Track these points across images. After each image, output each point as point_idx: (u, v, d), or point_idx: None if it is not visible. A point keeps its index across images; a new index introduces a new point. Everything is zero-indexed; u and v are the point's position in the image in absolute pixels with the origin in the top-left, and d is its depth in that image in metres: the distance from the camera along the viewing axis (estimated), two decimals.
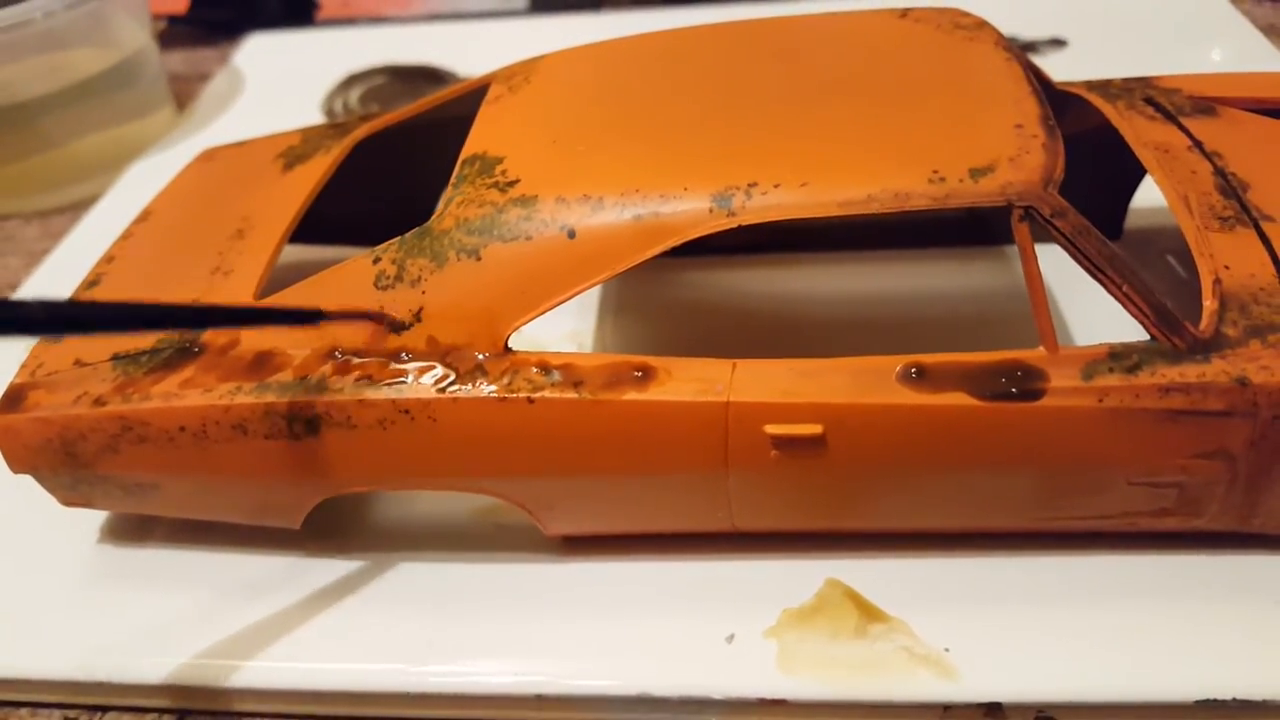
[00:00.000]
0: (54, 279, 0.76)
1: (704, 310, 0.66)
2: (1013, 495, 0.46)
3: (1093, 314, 0.59)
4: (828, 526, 0.49)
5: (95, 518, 0.56)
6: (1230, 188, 0.51)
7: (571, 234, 0.46)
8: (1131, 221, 0.68)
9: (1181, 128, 0.56)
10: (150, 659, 0.49)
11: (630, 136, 0.50)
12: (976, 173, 0.44)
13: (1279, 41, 0.88)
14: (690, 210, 0.45)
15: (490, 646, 0.48)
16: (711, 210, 0.45)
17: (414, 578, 0.51)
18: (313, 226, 0.67)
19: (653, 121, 0.51)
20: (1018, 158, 0.45)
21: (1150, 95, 0.60)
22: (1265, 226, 0.49)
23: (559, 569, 0.51)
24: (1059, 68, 0.87)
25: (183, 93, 1.02)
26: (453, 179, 0.50)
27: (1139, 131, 0.56)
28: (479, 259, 0.47)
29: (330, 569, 0.52)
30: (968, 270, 0.66)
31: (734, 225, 0.45)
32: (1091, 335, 0.52)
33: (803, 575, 0.49)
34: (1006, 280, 0.65)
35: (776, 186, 0.45)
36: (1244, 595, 0.46)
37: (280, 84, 1.01)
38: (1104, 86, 0.61)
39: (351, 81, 0.99)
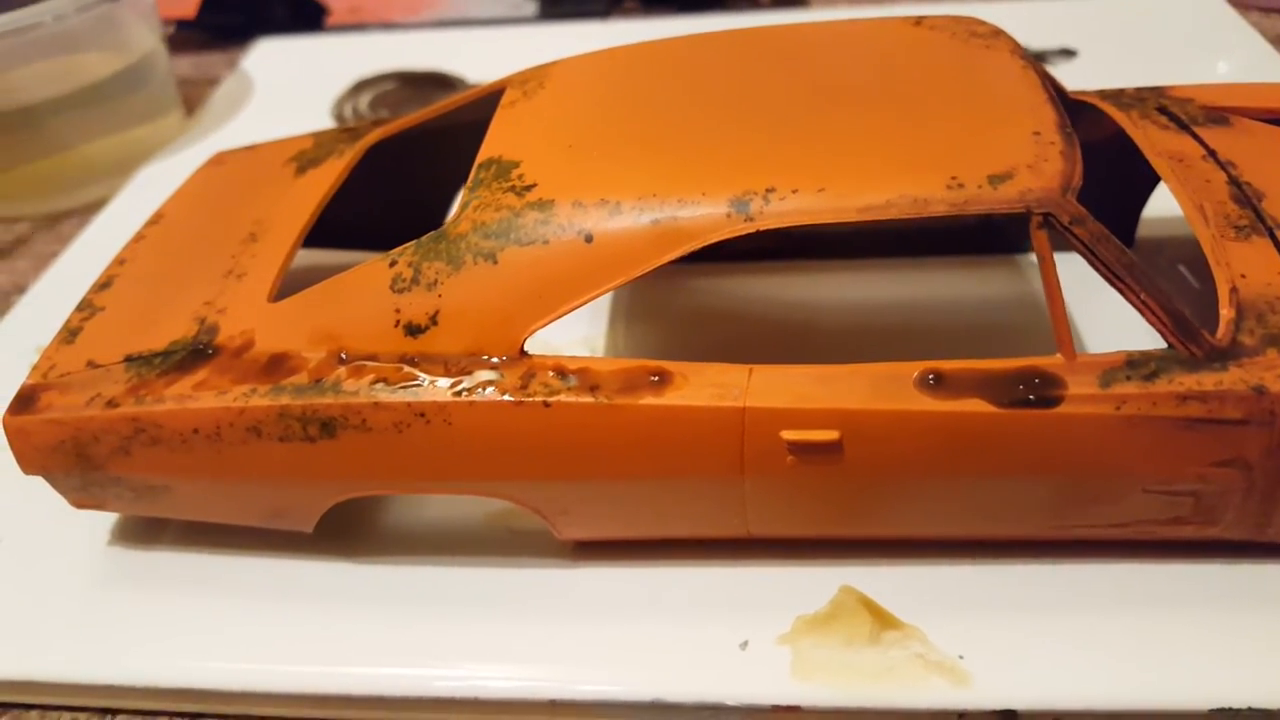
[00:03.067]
0: (63, 282, 0.75)
1: (717, 317, 0.65)
2: (1029, 502, 0.46)
3: (1108, 322, 0.59)
4: (843, 533, 0.49)
5: (106, 520, 0.56)
6: (1245, 197, 0.51)
7: (589, 238, 0.46)
8: (1142, 231, 0.68)
9: (1195, 137, 0.56)
10: (160, 661, 0.49)
11: (647, 141, 0.50)
12: (995, 179, 0.44)
13: None
14: (708, 215, 0.45)
15: (502, 652, 0.48)
16: (729, 215, 0.45)
17: (426, 582, 0.51)
18: (325, 230, 0.67)
19: (669, 127, 0.51)
20: (1036, 165, 0.45)
21: (1163, 105, 0.60)
22: None
23: (572, 574, 0.51)
24: (1069, 78, 0.87)
25: (191, 97, 1.02)
26: (469, 182, 0.50)
27: (1153, 141, 0.56)
28: (496, 262, 0.47)
29: (343, 572, 0.52)
30: (983, 278, 0.66)
31: (752, 230, 0.45)
32: (1107, 343, 0.52)
33: (817, 582, 0.49)
34: (1021, 288, 0.65)
35: (794, 192, 0.45)
36: (1259, 604, 0.46)
37: (289, 89, 1.01)
38: (1117, 96, 0.61)
39: (361, 87, 0.99)
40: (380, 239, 0.63)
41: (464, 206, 0.49)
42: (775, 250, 0.67)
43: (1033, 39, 0.93)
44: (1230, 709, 0.43)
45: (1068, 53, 0.92)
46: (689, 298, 0.67)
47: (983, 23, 0.56)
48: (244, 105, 0.99)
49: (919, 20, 0.57)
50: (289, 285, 0.53)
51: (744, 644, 0.47)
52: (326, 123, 0.94)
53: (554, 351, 0.62)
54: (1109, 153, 0.59)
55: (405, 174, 0.68)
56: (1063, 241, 0.44)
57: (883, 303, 0.65)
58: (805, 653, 0.46)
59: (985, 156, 0.45)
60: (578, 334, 0.64)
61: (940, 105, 0.49)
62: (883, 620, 0.46)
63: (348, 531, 0.53)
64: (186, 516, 0.53)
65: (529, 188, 0.49)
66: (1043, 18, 0.97)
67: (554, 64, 0.59)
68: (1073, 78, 0.87)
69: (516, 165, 0.50)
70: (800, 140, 0.48)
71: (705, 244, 0.45)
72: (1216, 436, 0.43)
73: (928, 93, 0.50)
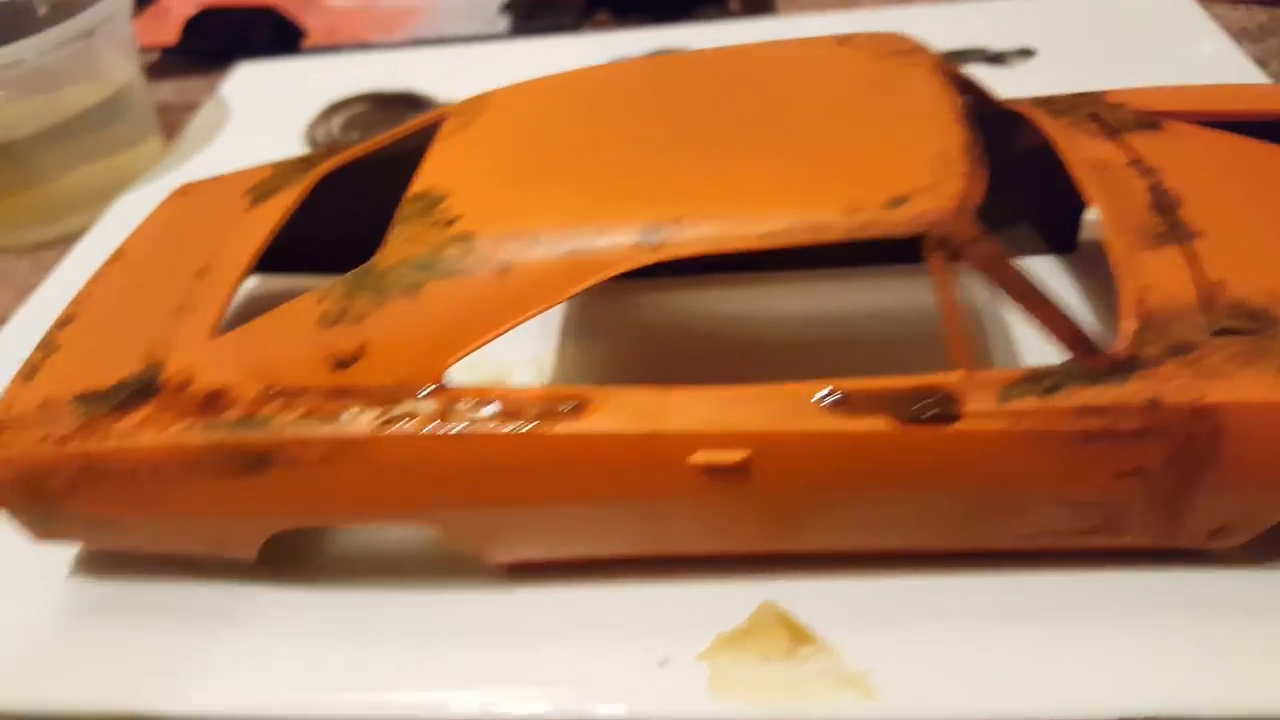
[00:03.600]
0: (43, 313, 0.77)
1: (664, 332, 0.66)
2: (936, 517, 0.47)
3: (1033, 333, 0.60)
4: (759, 549, 0.50)
5: (69, 551, 0.58)
6: (1164, 204, 0.52)
7: (506, 270, 0.48)
8: (1089, 233, 0.68)
9: (1122, 144, 0.57)
10: (122, 690, 0.51)
11: (569, 172, 0.51)
12: (893, 203, 0.45)
13: (1250, 46, 0.88)
14: (617, 245, 0.46)
15: (431, 673, 0.49)
16: (637, 245, 0.46)
17: (361, 607, 0.53)
18: (288, 256, 0.69)
19: (592, 156, 0.52)
20: (935, 186, 0.46)
21: (1095, 111, 0.60)
22: (1193, 243, 0.49)
23: (501, 596, 0.52)
24: (1027, 78, 0.87)
25: (173, 123, 1.04)
26: (396, 217, 0.52)
27: (1079, 148, 0.56)
28: (418, 296, 0.48)
29: (290, 599, 0.54)
30: (917, 287, 0.66)
31: (659, 259, 0.46)
32: (1032, 355, 0.53)
33: (738, 598, 0.50)
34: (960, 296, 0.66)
35: (701, 220, 0.46)
36: (1163, 611, 0.47)
37: (266, 113, 1.03)
38: (1049, 103, 0.62)
39: (334, 110, 1.01)
40: (339, 263, 0.64)
41: (390, 241, 0.51)
42: (717, 264, 0.68)
43: (992, 40, 0.93)
44: (1133, 717, 0.43)
45: (1026, 53, 0.92)
46: (634, 314, 0.68)
47: (905, 40, 0.57)
48: (221, 131, 1.01)
49: (844, 39, 0.58)
50: (243, 316, 0.55)
51: (664, 661, 0.48)
52: (301, 146, 0.96)
53: (503, 370, 0.64)
54: (1049, 158, 0.59)
55: (358, 200, 0.70)
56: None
57: (831, 313, 0.65)
58: (723, 669, 0.47)
59: (886, 180, 0.46)
60: (527, 353, 0.65)
61: (851, 127, 0.50)
62: (798, 636, 0.48)
63: (296, 557, 0.55)
64: (139, 548, 0.54)
65: (453, 221, 0.50)
66: (1001, 18, 0.96)
67: (491, 94, 0.61)
68: (1032, 77, 0.88)
69: (444, 198, 0.52)
70: (713, 166, 0.49)
71: (615, 273, 0.47)
72: (1115, 449, 0.44)
73: (840, 115, 0.51)
